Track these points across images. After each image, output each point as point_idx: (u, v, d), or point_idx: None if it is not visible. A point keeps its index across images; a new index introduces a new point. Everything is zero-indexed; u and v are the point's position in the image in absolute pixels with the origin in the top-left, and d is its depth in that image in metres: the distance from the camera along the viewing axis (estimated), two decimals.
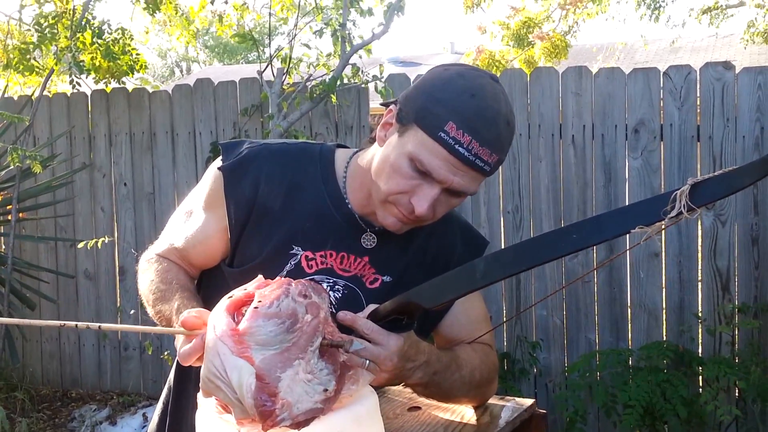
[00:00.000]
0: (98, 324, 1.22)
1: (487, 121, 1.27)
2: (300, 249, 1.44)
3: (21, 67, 4.72)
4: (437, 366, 1.37)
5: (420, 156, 1.29)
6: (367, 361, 1.25)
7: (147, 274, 1.50)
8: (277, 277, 1.28)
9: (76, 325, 1.18)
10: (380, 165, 1.36)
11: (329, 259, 1.45)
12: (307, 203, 1.45)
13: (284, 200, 1.44)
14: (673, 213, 1.04)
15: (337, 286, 1.45)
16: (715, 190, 1.03)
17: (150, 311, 1.45)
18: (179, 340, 1.26)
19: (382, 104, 1.46)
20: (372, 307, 1.31)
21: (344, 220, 1.46)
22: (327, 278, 1.44)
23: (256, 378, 1.09)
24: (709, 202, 1.04)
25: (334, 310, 1.38)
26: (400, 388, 1.62)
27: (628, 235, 1.09)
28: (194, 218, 1.52)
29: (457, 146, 1.27)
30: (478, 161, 1.28)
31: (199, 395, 1.21)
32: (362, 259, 1.46)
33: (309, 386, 1.12)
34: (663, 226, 1.06)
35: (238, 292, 1.20)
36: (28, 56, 4.75)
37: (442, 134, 1.27)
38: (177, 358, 1.23)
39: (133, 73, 4.94)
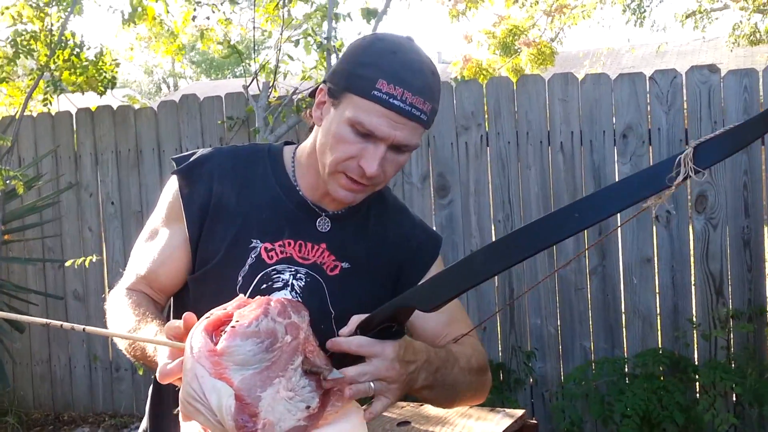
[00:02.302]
0: (83, 326, 1.22)
1: (414, 72, 1.34)
2: (258, 241, 1.46)
3: None
4: (437, 362, 1.35)
5: (359, 118, 1.33)
6: (371, 384, 1.21)
7: (117, 308, 1.48)
8: (240, 276, 1.26)
9: (62, 324, 1.20)
10: (323, 139, 1.40)
11: (288, 248, 1.46)
12: (260, 196, 1.48)
13: (238, 197, 1.48)
14: (680, 178, 1.00)
15: (299, 275, 1.46)
16: (718, 150, 1.01)
17: (122, 344, 1.43)
18: (160, 356, 1.22)
19: (311, 92, 1.50)
20: (356, 319, 1.27)
21: (297, 207, 1.49)
22: (288, 267, 1.45)
23: (236, 398, 1.06)
24: (715, 163, 1.01)
25: (300, 299, 1.41)
26: None
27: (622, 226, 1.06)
28: (157, 238, 1.52)
29: (392, 100, 1.32)
30: (414, 110, 1.33)
31: (181, 421, 1.18)
32: (319, 246, 1.48)
33: (291, 404, 1.09)
34: (670, 192, 1.02)
35: (217, 312, 1.17)
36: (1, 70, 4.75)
37: (375, 92, 1.32)
38: (156, 374, 1.19)
39: (104, 91, 4.92)
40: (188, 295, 1.50)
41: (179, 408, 1.14)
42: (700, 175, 1.00)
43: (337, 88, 1.38)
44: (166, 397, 1.55)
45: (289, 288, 1.44)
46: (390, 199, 1.60)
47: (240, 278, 1.44)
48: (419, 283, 1.26)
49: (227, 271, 1.44)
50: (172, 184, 1.51)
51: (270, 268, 1.44)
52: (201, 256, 1.47)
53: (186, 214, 1.48)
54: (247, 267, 1.44)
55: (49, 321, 1.24)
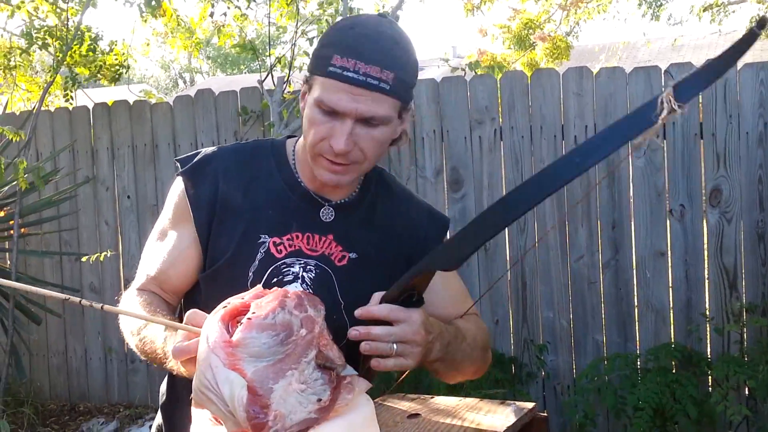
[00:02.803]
0: (101, 304, 1.24)
1: (369, 41, 1.34)
2: (267, 236, 1.47)
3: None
4: (448, 336, 1.39)
5: (321, 97, 1.36)
6: (394, 345, 1.26)
7: (128, 308, 1.48)
8: (250, 272, 1.27)
9: (80, 301, 1.24)
10: (303, 126, 1.44)
11: (296, 241, 1.48)
12: (266, 192, 1.50)
13: (244, 193, 1.49)
14: (664, 113, 1.08)
15: (309, 267, 1.47)
16: (696, 85, 1.09)
17: (134, 340, 1.43)
18: (174, 340, 1.25)
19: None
20: (378, 295, 1.31)
21: (302, 200, 1.50)
22: (297, 260, 1.47)
23: (248, 390, 1.07)
24: (694, 96, 1.10)
25: (311, 291, 1.42)
26: (399, 396, 1.60)
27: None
28: (167, 240, 1.53)
29: (345, 72, 1.33)
30: (370, 80, 1.33)
31: (193, 408, 1.20)
32: (327, 237, 1.49)
33: (302, 396, 1.10)
34: (658, 125, 1.10)
35: (234, 301, 1.18)
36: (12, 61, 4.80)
37: (330, 68, 1.34)
38: (170, 353, 1.22)
39: (117, 79, 4.96)
40: (199, 294, 1.51)
41: (192, 396, 1.15)
42: (682, 108, 1.08)
43: (309, 74, 1.41)
44: (180, 392, 1.56)
45: (299, 281, 1.46)
46: (396, 188, 1.62)
47: (251, 274, 1.45)
48: (437, 248, 1.29)
49: (237, 267, 1.45)
50: (178, 185, 1.53)
51: (279, 262, 1.46)
52: (211, 254, 1.48)
53: (194, 214, 1.49)
54: (257, 262, 1.46)
55: (68, 297, 1.28)
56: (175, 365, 1.25)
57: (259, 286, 1.23)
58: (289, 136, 1.61)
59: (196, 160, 1.52)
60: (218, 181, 1.49)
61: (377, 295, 1.30)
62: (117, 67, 4.93)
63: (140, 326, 1.41)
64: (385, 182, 1.59)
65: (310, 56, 1.44)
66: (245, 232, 1.47)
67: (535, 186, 1.19)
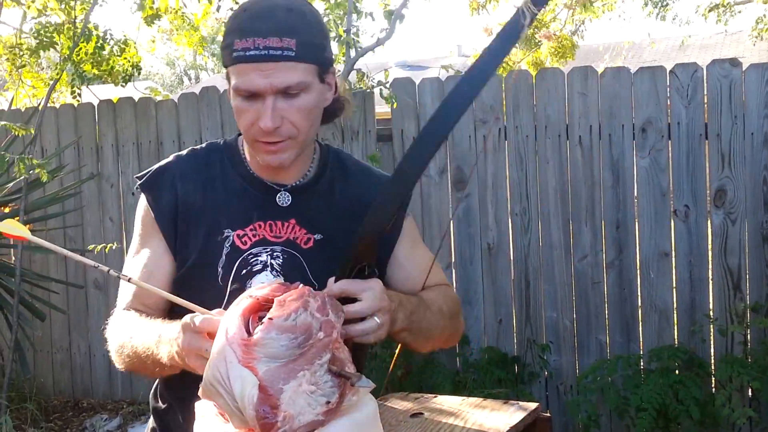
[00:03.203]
0: (128, 276, 1.33)
1: (261, 17, 1.36)
2: (230, 230, 1.49)
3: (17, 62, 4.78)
4: (410, 306, 1.42)
5: (236, 84, 1.38)
6: (376, 318, 1.28)
7: (117, 329, 1.50)
8: (219, 267, 1.37)
9: (109, 270, 1.33)
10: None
11: (260, 231, 1.50)
12: (223, 188, 1.53)
13: (203, 194, 1.52)
14: (528, 20, 1.21)
15: (275, 254, 1.49)
16: None
17: (127, 351, 1.43)
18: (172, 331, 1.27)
19: None
20: (331, 279, 1.32)
21: (258, 189, 1.52)
22: (264, 248, 1.49)
23: (259, 389, 1.07)
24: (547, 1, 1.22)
25: (282, 276, 1.46)
26: (402, 395, 1.61)
27: None
28: (141, 255, 1.55)
29: (246, 52, 1.35)
30: (271, 51, 1.34)
31: (197, 404, 1.20)
32: (289, 222, 1.51)
33: (312, 398, 1.10)
34: (527, 29, 1.22)
35: (258, 293, 1.18)
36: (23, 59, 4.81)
37: (234, 54, 1.37)
38: (196, 320, 1.21)
39: (128, 80, 4.96)
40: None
41: (201, 385, 1.15)
42: (542, 9, 1.22)
43: (225, 69, 1.44)
44: (174, 396, 1.58)
45: (269, 268, 1.48)
46: (352, 165, 1.62)
47: (220, 269, 1.47)
48: (369, 213, 1.31)
49: (206, 265, 1.47)
50: (141, 201, 1.56)
51: (246, 253, 1.48)
52: (180, 258, 1.51)
53: (159, 223, 1.51)
54: (224, 257, 1.48)
55: (97, 264, 1.35)
56: (176, 357, 1.26)
57: (280, 279, 1.23)
58: (240, 134, 1.62)
59: (152, 171, 1.55)
60: (176, 187, 1.52)
61: (331, 280, 1.32)
62: (129, 68, 4.93)
63: (132, 336, 1.42)
64: (340, 160, 1.60)
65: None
66: (209, 230, 1.49)
67: (436, 126, 1.25)
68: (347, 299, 1.28)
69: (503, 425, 1.49)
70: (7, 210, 4.64)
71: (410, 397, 1.62)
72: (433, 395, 1.70)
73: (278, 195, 1.52)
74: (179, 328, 1.25)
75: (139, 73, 5.00)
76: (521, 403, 1.62)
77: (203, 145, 1.61)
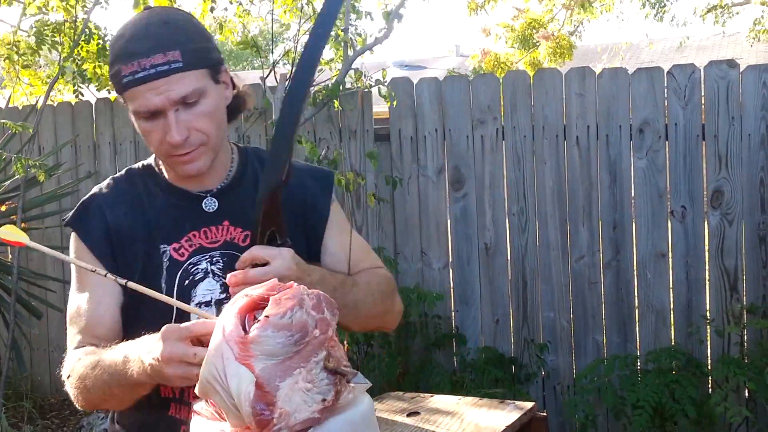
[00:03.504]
0: (125, 280, 1.31)
1: (139, 38, 1.39)
2: (166, 245, 1.51)
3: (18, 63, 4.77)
4: (333, 282, 1.43)
5: (135, 108, 1.41)
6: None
7: (75, 366, 1.46)
8: (162, 283, 1.40)
9: (106, 274, 1.34)
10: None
11: (195, 240, 1.51)
12: (151, 207, 1.54)
13: (132, 215, 1.53)
14: None
15: (215, 259, 1.51)
16: None
17: (89, 382, 1.41)
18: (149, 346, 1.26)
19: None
20: (243, 255, 1.34)
21: (184, 200, 1.54)
22: (202, 256, 1.50)
23: (256, 387, 1.08)
24: None
25: (224, 280, 1.44)
26: (399, 394, 1.61)
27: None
28: (82, 290, 1.52)
29: (135, 76, 1.37)
30: (158, 68, 1.37)
31: (195, 405, 1.20)
32: (222, 225, 1.53)
33: (308, 395, 1.11)
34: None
35: (253, 291, 1.18)
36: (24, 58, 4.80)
37: (124, 80, 1.39)
38: (182, 329, 1.22)
39: None
40: (135, 328, 1.50)
41: (197, 385, 1.16)
42: None
43: (120, 97, 1.46)
44: (124, 419, 1.59)
45: (210, 275, 1.49)
46: (264, 155, 1.64)
47: (163, 284, 1.48)
48: (263, 175, 1.37)
49: (149, 285, 1.44)
50: (73, 239, 1.56)
51: (186, 264, 1.49)
52: (137, 275, 1.50)
53: (96, 253, 1.51)
54: (164, 272, 1.49)
55: (95, 269, 1.36)
56: (148, 370, 1.25)
57: (275, 279, 1.23)
58: None
59: (77, 208, 1.56)
60: (105, 215, 1.52)
61: (243, 254, 1.34)
62: None
63: (93, 365, 1.40)
64: (260, 157, 1.62)
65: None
66: (146, 250, 1.50)
67: (301, 77, 1.35)
68: (257, 266, 1.31)
69: (499, 424, 1.49)
70: (3, 208, 4.64)
71: (407, 396, 1.63)
72: (430, 395, 1.70)
73: (204, 202, 1.53)
74: (156, 339, 1.24)
75: None
76: (517, 402, 1.62)
77: (122, 171, 1.61)
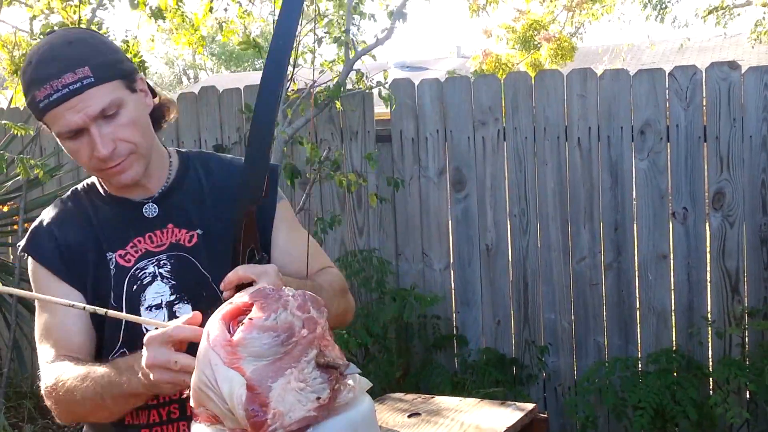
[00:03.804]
0: (105, 310, 1.31)
1: (47, 61, 1.40)
2: (111, 253, 1.53)
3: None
4: (306, 289, 1.41)
5: (57, 130, 1.42)
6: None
7: (58, 379, 1.45)
8: (111, 291, 1.40)
9: (84, 307, 1.34)
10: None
11: (141, 245, 1.54)
12: (97, 220, 1.56)
13: (79, 230, 1.55)
14: None
15: (161, 261, 1.53)
16: None
17: (79, 394, 1.40)
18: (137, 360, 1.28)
19: None
20: (228, 276, 1.33)
21: (127, 209, 1.56)
22: (149, 260, 1.52)
23: (247, 389, 1.08)
24: None
25: (173, 282, 1.50)
26: (400, 395, 1.61)
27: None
28: (47, 309, 1.53)
29: (51, 98, 1.39)
30: (72, 86, 1.38)
31: (192, 403, 1.21)
32: (167, 228, 1.55)
33: (301, 395, 1.11)
34: None
35: (238, 300, 1.19)
36: None
37: (41, 104, 1.40)
38: (170, 329, 1.24)
39: None
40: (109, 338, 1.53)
41: (190, 393, 1.16)
42: None
43: (40, 123, 1.47)
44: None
45: (159, 278, 1.51)
46: (215, 160, 1.67)
47: (112, 293, 1.50)
48: (239, 192, 1.37)
49: (101, 293, 1.50)
50: (29, 263, 1.58)
51: (133, 269, 1.52)
52: (87, 297, 1.52)
53: (52, 271, 1.53)
54: (112, 280, 1.51)
55: (72, 303, 1.35)
56: (138, 381, 1.28)
57: (264, 284, 1.23)
58: None
59: (28, 234, 1.59)
60: (54, 234, 1.55)
61: (228, 275, 1.33)
62: (139, 64, 4.93)
63: (81, 377, 1.40)
64: (204, 161, 1.65)
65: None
66: (95, 261, 1.53)
67: (270, 81, 1.34)
68: (244, 285, 1.30)
69: (500, 425, 1.49)
70: (6, 209, 4.65)
71: (408, 397, 1.63)
72: (431, 396, 1.70)
73: (144, 207, 1.55)
74: (144, 347, 1.25)
75: (145, 73, 4.98)
76: (518, 403, 1.62)
77: (68, 192, 1.64)
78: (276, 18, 1.41)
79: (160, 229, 1.55)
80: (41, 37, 4.71)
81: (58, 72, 1.38)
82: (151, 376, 1.23)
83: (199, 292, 1.49)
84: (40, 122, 1.46)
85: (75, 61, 1.39)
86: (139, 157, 1.48)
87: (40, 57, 1.41)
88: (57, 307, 1.51)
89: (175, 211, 1.56)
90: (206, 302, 1.36)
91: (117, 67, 1.44)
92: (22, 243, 1.59)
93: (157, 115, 1.57)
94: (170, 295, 1.50)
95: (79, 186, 1.64)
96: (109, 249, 1.53)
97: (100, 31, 4.79)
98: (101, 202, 1.58)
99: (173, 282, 1.51)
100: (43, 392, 1.49)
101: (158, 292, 1.50)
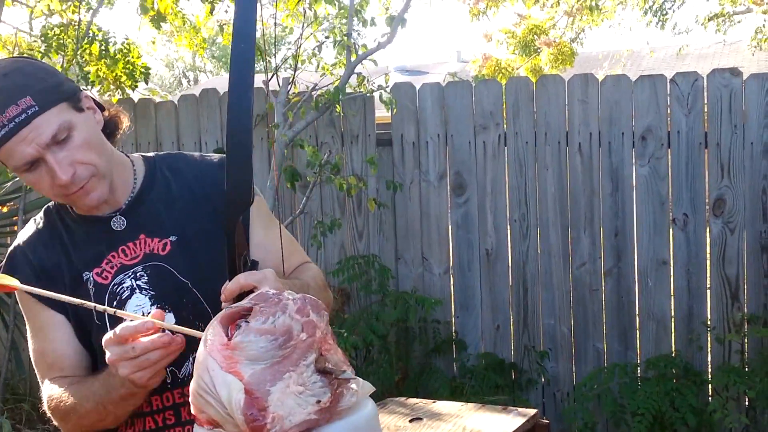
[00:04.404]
0: (114, 309, 1.33)
1: None
2: (88, 272, 1.52)
3: None
4: (295, 289, 1.40)
5: (12, 165, 1.40)
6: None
7: (61, 397, 1.48)
8: (94, 310, 1.38)
9: (95, 307, 1.36)
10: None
11: (115, 260, 1.52)
12: (69, 240, 1.54)
13: (53, 251, 1.54)
14: None
15: (138, 274, 1.51)
16: None
17: (86, 406, 1.43)
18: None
19: None
20: (225, 287, 1.32)
21: (96, 225, 1.54)
22: (125, 275, 1.51)
23: (245, 393, 1.08)
24: None
25: (153, 293, 1.48)
26: (401, 399, 1.60)
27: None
28: (35, 332, 1.55)
29: (0, 134, 1.35)
30: (18, 118, 1.35)
31: (192, 411, 1.20)
32: (138, 239, 1.53)
33: (301, 398, 1.11)
34: None
35: (236, 305, 1.19)
36: None
37: None
38: (113, 335, 1.27)
39: (136, 85, 4.95)
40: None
41: (190, 399, 1.16)
42: None
43: None
44: None
45: (137, 290, 1.50)
46: (182, 163, 1.63)
47: (94, 311, 1.47)
48: (225, 199, 1.33)
49: (83, 312, 1.48)
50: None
51: (111, 286, 1.50)
52: (69, 319, 1.52)
53: (33, 295, 1.50)
54: (92, 299, 1.49)
55: (83, 302, 1.36)
56: (117, 381, 1.31)
57: (266, 288, 1.23)
58: None
59: (4, 261, 1.58)
60: (29, 258, 1.54)
61: (228, 285, 1.33)
62: (138, 75, 4.93)
63: (83, 389, 1.43)
64: (169, 162, 1.62)
65: None
66: (71, 282, 1.51)
67: (238, 87, 1.31)
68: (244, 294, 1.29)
69: (502, 431, 1.48)
70: (5, 210, 4.64)
71: (409, 402, 1.62)
72: (432, 400, 1.70)
73: (112, 221, 1.53)
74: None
75: (147, 81, 4.98)
76: (520, 409, 1.62)
77: (40, 212, 1.62)
78: (234, 19, 1.37)
79: (132, 240, 1.53)
80: (41, 38, 4.71)
81: (1, 107, 1.35)
82: (120, 372, 1.27)
83: (180, 299, 1.47)
84: None
85: (15, 93, 1.36)
86: (101, 178, 1.46)
87: None
88: (46, 332, 1.53)
89: (144, 221, 1.54)
90: (188, 308, 1.36)
91: (59, 90, 1.41)
92: (1, 265, 1.58)
93: (111, 129, 1.55)
94: (151, 305, 1.49)
95: (51, 204, 1.61)
96: (85, 269, 1.52)
97: (99, 33, 4.80)
98: (71, 221, 1.56)
99: (152, 292, 1.49)
100: (49, 414, 1.51)
101: (138, 304, 1.49)
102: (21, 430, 4.60)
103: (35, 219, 1.61)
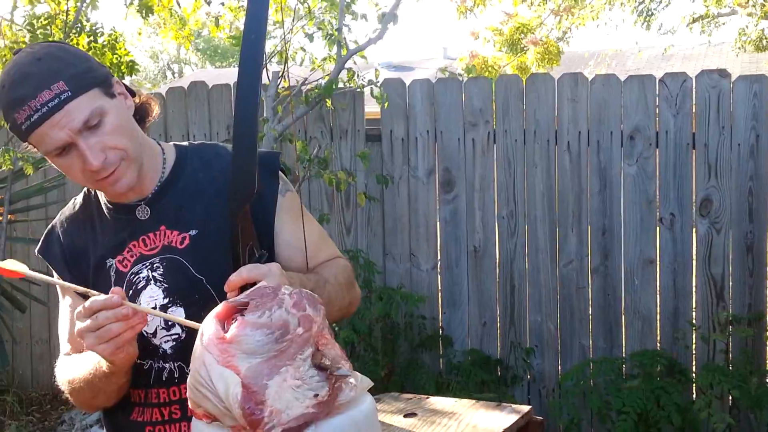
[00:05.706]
0: (106, 295, 1.32)
1: (20, 82, 1.38)
2: (111, 259, 1.54)
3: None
4: (310, 285, 1.42)
5: (44, 149, 1.41)
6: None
7: (68, 372, 1.57)
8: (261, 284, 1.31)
9: (99, 295, 1.33)
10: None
11: (136, 249, 1.53)
12: (100, 225, 1.57)
13: (78, 235, 1.59)
14: None
15: (155, 265, 1.51)
16: None
17: (80, 384, 1.50)
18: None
19: None
20: (231, 276, 1.32)
21: (121, 213, 1.55)
22: (143, 264, 1.52)
23: (242, 387, 1.08)
24: None
25: (166, 285, 1.49)
26: (395, 395, 1.61)
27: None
28: (62, 310, 1.62)
29: (32, 119, 1.36)
30: (51, 103, 1.36)
31: (190, 405, 1.20)
32: (159, 230, 1.53)
33: (298, 392, 1.11)
34: None
35: (233, 299, 1.19)
36: None
37: (23, 126, 1.38)
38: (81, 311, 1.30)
39: (123, 77, 4.91)
40: None
41: (187, 394, 1.16)
42: None
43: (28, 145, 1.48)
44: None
45: (152, 282, 1.50)
46: (210, 152, 1.62)
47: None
48: (230, 190, 1.35)
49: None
50: (44, 263, 1.64)
51: (129, 275, 1.52)
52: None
53: (60, 275, 1.58)
54: (112, 283, 1.51)
55: (86, 289, 1.38)
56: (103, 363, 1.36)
57: (264, 283, 1.23)
58: None
59: (42, 237, 1.64)
60: (61, 239, 1.59)
61: (231, 276, 1.32)
62: (126, 65, 4.89)
63: (80, 365, 1.49)
64: (198, 153, 1.62)
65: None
66: (95, 267, 1.55)
67: (247, 78, 1.32)
68: (248, 286, 1.29)
69: (497, 427, 1.49)
70: None
71: (403, 397, 1.63)
72: (426, 396, 1.70)
73: (137, 210, 1.54)
74: None
75: (132, 74, 4.94)
76: (514, 405, 1.63)
77: (81, 194, 1.65)
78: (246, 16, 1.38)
79: (153, 231, 1.53)
80: (26, 27, 4.67)
81: (34, 91, 1.36)
82: (85, 343, 1.30)
83: (192, 294, 1.47)
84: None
85: (48, 77, 1.37)
86: (131, 162, 1.46)
87: (11, 79, 1.39)
88: (62, 311, 1.59)
89: (167, 212, 1.54)
90: (199, 305, 1.37)
91: (91, 75, 1.41)
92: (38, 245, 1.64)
93: (141, 115, 1.55)
94: (163, 298, 1.49)
95: (80, 191, 1.64)
96: (108, 255, 1.54)
97: (87, 24, 4.76)
98: (103, 206, 1.58)
99: (166, 285, 1.49)
100: (61, 387, 1.58)
101: (152, 296, 1.49)
102: (5, 422, 4.57)
103: (75, 200, 1.63)
